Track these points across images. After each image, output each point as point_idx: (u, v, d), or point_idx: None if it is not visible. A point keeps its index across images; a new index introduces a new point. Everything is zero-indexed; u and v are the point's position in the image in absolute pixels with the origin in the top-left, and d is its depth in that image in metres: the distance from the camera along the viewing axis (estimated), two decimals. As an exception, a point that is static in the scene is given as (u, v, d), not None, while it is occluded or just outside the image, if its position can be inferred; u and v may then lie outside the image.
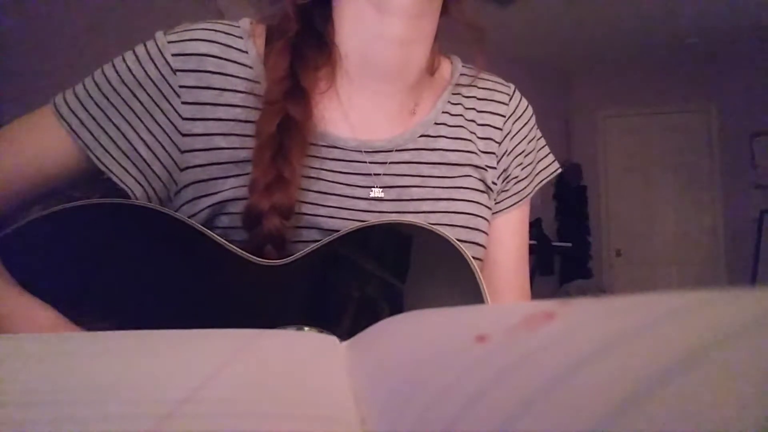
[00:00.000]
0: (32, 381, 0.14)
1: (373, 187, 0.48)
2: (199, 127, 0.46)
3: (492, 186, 0.54)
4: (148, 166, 0.46)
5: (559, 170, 0.61)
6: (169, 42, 0.46)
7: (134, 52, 0.47)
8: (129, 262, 0.43)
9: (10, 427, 0.12)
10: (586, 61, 4.15)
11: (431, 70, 0.54)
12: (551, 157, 0.60)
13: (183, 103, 0.46)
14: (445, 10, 0.50)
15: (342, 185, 0.48)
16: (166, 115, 0.46)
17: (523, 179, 0.57)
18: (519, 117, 0.57)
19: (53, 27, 2.20)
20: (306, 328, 0.41)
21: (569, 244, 3.85)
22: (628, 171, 4.27)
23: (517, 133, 0.56)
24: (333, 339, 0.23)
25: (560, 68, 4.24)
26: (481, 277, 0.43)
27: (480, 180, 0.53)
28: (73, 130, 0.45)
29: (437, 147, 0.52)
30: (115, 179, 0.46)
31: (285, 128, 0.45)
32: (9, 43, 2.09)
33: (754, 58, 3.79)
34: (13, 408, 0.13)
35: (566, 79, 4.35)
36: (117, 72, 0.46)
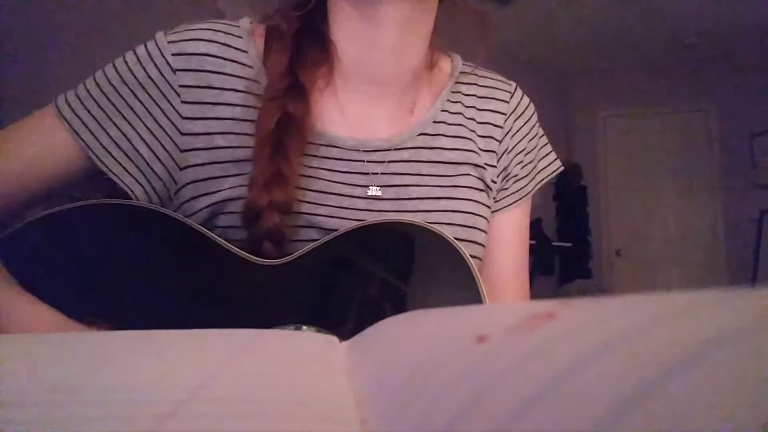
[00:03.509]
0: (32, 381, 0.14)
1: (371, 185, 0.48)
2: (198, 127, 0.46)
3: (491, 184, 0.54)
4: (148, 165, 0.47)
5: (561, 168, 0.60)
6: (169, 42, 0.47)
7: (135, 52, 0.47)
8: (128, 262, 0.43)
9: (10, 427, 0.12)
10: (586, 61, 4.15)
11: (429, 65, 0.54)
12: (553, 156, 0.60)
13: (183, 102, 0.46)
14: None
15: (340, 184, 0.48)
16: (166, 115, 0.46)
17: (523, 177, 0.56)
18: (520, 115, 0.56)
19: (53, 27, 2.20)
20: (304, 328, 0.41)
21: (569, 244, 3.84)
22: (628, 171, 4.27)
23: (518, 131, 0.56)
24: (333, 339, 0.23)
25: (560, 68, 4.24)
26: (479, 276, 0.43)
27: (479, 179, 0.53)
28: (74, 130, 0.45)
29: (436, 145, 0.52)
30: (115, 179, 0.46)
31: (284, 125, 0.45)
32: (9, 43, 2.09)
33: (754, 58, 3.79)
34: (13, 408, 0.13)
35: (566, 79, 4.35)
36: (118, 72, 0.46)
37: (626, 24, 3.52)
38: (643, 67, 4.12)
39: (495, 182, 0.54)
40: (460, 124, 0.54)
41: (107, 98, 0.46)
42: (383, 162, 0.50)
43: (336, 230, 0.44)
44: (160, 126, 0.46)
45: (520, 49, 3.64)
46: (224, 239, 0.43)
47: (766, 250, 3.64)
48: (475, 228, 0.51)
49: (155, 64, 0.46)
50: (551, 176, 0.59)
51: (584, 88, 4.36)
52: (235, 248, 0.42)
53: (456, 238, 0.44)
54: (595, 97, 4.33)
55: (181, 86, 0.46)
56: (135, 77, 0.46)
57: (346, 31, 0.48)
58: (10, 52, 2.09)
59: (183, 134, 0.46)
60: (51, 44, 2.18)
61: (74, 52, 2.16)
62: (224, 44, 0.48)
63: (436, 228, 0.43)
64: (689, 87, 4.07)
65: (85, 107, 0.46)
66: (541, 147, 0.59)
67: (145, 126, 0.46)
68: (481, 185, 0.53)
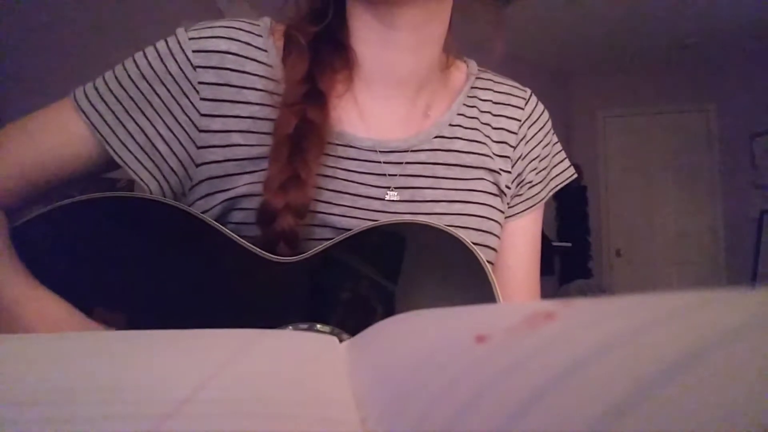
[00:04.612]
0: (32, 381, 0.14)
1: (388, 189, 0.48)
2: (216, 124, 0.46)
3: (505, 190, 0.54)
4: (165, 160, 0.47)
5: (575, 176, 0.60)
6: (190, 38, 0.47)
7: (155, 47, 0.47)
8: (139, 255, 0.43)
9: (9, 427, 0.12)
10: (586, 61, 4.15)
11: (443, 67, 0.54)
12: (567, 163, 0.60)
13: (202, 99, 0.46)
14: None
15: (356, 184, 0.48)
16: (184, 111, 0.46)
17: (537, 184, 0.57)
18: (535, 121, 0.57)
19: (54, 27, 2.20)
20: (318, 326, 0.41)
21: (569, 244, 3.85)
22: (628, 171, 4.27)
23: (532, 137, 0.56)
24: (333, 339, 0.23)
25: (560, 68, 4.24)
26: (495, 280, 0.43)
27: (493, 183, 0.53)
28: (92, 123, 0.45)
29: (453, 148, 0.52)
30: (131, 173, 0.46)
31: (303, 130, 0.45)
32: (10, 44, 2.09)
33: (754, 58, 3.79)
34: (13, 408, 0.13)
35: (566, 79, 4.35)
36: (137, 66, 0.46)
37: (626, 24, 3.52)
38: (643, 67, 4.12)
39: (509, 188, 0.54)
40: (476, 129, 0.54)
41: (126, 92, 0.46)
42: (401, 164, 0.50)
43: (350, 230, 0.44)
44: (178, 122, 0.46)
45: (521, 49, 3.64)
46: (237, 235, 0.43)
47: (766, 250, 3.64)
48: (488, 232, 0.51)
49: (175, 60, 0.46)
50: (564, 183, 0.59)
51: (584, 88, 4.36)
52: (249, 245, 0.42)
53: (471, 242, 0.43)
54: (595, 97, 4.33)
55: (200, 83, 0.46)
56: (154, 72, 0.46)
57: (363, 36, 0.49)
58: (11, 52, 2.09)
59: (200, 131, 0.46)
60: (52, 43, 2.18)
61: (75, 51, 2.16)
62: (245, 43, 0.48)
63: (453, 230, 0.43)
64: (689, 87, 4.07)
65: (104, 100, 0.46)
66: (555, 154, 0.59)
67: (163, 121, 0.46)
68: (495, 190, 0.53)
